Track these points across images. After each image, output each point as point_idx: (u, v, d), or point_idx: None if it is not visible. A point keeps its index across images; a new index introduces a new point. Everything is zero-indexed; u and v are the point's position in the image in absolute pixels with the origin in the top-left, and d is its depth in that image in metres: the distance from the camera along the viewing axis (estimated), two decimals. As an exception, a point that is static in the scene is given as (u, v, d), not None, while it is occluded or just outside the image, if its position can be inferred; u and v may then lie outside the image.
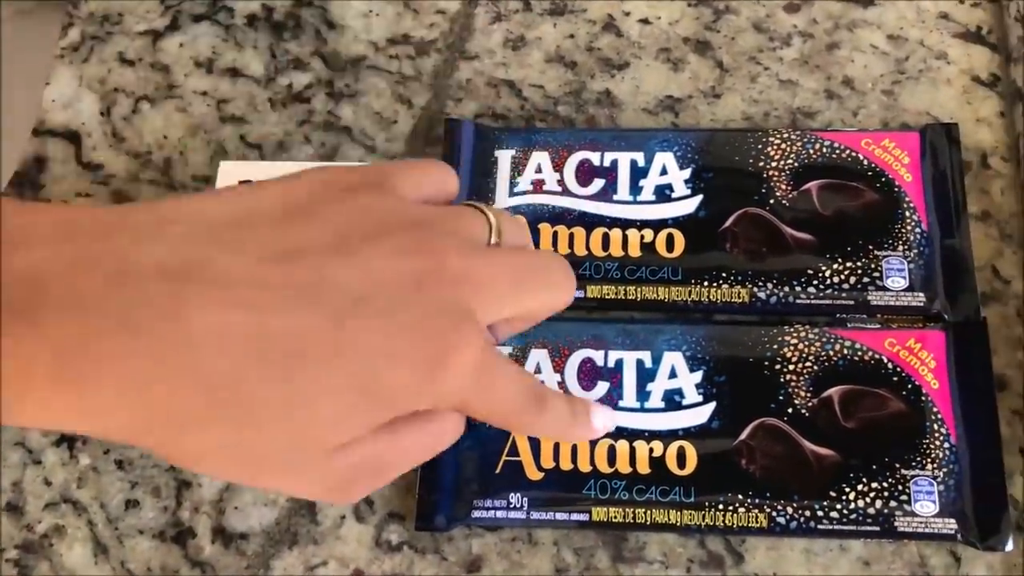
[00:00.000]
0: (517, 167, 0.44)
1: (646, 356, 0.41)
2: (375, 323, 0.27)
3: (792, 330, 0.41)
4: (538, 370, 0.41)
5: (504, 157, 0.44)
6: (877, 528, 0.38)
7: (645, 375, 0.40)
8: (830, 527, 0.38)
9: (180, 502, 0.40)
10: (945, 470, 0.38)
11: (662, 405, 0.40)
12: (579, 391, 0.40)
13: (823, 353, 0.40)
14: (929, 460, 0.38)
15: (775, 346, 0.41)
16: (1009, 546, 0.37)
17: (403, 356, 0.27)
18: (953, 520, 0.38)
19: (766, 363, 0.40)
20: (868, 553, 0.39)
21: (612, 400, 0.40)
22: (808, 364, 0.40)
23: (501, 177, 0.44)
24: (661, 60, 0.47)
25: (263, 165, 0.40)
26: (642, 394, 0.40)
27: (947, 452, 0.39)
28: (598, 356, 0.41)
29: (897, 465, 0.38)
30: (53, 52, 0.50)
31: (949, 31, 0.47)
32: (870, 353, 0.40)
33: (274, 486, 0.32)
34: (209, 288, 0.25)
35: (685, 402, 0.40)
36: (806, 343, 0.40)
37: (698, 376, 0.40)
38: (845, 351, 0.40)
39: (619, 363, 0.41)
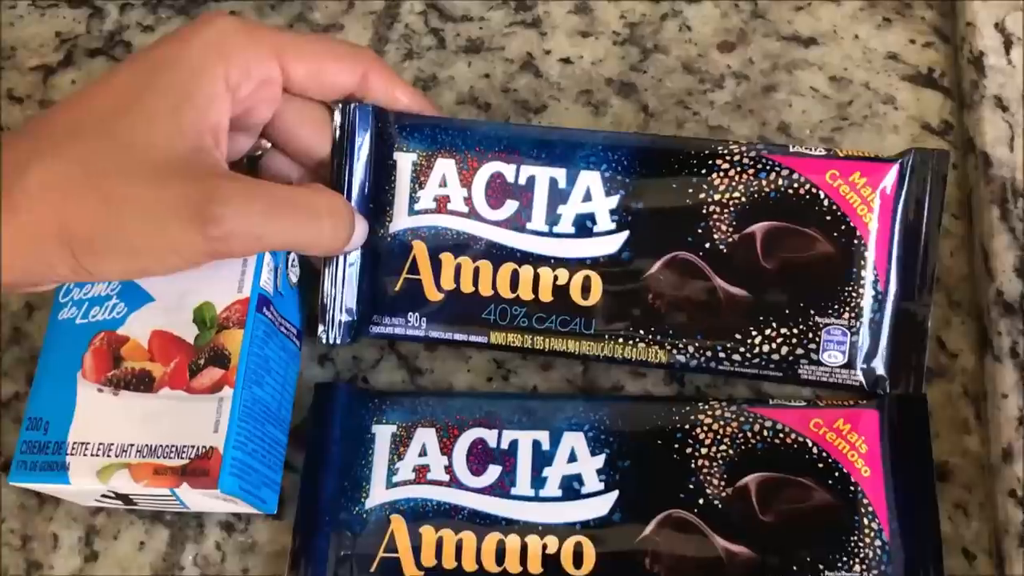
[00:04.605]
0: (418, 177, 0.38)
1: (544, 436, 0.37)
2: None
3: (707, 407, 0.37)
4: (424, 452, 0.37)
5: (405, 160, 0.38)
6: (798, 638, 0.34)
7: (542, 459, 0.36)
8: (744, 636, 0.34)
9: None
10: (876, 572, 0.34)
11: (559, 494, 0.36)
12: (469, 477, 0.36)
13: (740, 435, 0.36)
14: (857, 560, 0.34)
15: (687, 426, 0.36)
16: (947, 660, 0.33)
17: None
18: (884, 631, 0.34)
19: (676, 446, 0.36)
20: (786, 665, 0.35)
21: (504, 488, 0.36)
22: (723, 448, 0.36)
23: (400, 188, 0.39)
24: (581, 103, 0.43)
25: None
26: (537, 480, 0.36)
27: (878, 551, 0.34)
28: (491, 436, 0.37)
29: (821, 566, 0.34)
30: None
31: (898, 73, 0.43)
32: (793, 435, 0.36)
33: None
34: None
35: (584, 490, 0.36)
36: (721, 423, 0.36)
37: (600, 460, 0.36)
38: (765, 433, 0.36)
39: (513, 445, 0.37)
